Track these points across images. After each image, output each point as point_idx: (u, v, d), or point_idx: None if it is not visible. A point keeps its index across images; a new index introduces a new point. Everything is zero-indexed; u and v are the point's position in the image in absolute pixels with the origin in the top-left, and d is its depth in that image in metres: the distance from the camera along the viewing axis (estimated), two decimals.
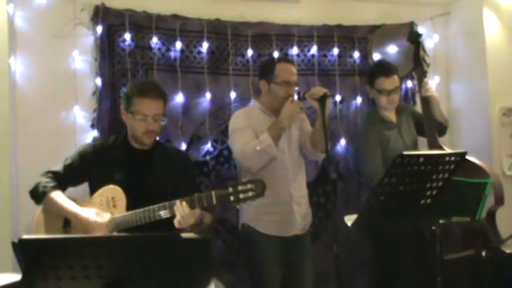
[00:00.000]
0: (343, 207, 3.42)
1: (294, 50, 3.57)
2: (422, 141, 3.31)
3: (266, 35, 3.52)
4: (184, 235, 2.09)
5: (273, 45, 3.52)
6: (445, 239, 2.63)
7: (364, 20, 3.76)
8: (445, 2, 3.95)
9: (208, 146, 3.37)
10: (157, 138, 2.65)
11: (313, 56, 3.62)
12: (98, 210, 2.37)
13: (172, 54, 3.32)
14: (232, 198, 2.23)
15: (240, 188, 2.23)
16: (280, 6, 3.60)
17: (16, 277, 1.87)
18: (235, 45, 3.44)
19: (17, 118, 3.03)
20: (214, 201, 2.25)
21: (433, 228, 2.48)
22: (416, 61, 3.32)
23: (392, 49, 3.73)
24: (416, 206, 2.34)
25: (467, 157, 2.39)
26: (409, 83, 3.79)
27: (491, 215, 3.01)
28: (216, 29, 3.41)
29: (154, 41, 3.27)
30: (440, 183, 2.31)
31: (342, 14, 3.72)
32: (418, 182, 2.25)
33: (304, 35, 3.60)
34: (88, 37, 3.17)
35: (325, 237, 3.52)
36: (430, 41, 3.90)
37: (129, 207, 2.36)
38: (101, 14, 3.15)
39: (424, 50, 3.80)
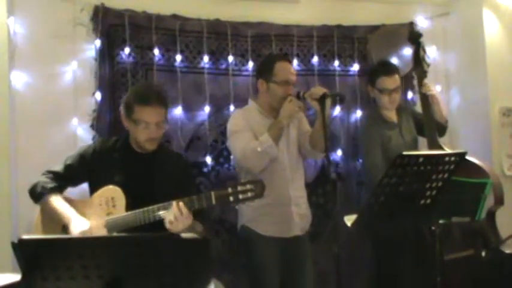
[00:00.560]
0: (342, 207, 3.41)
1: (294, 50, 3.57)
2: (422, 141, 3.31)
3: (266, 35, 3.52)
4: (184, 235, 2.09)
5: (272, 46, 3.52)
6: (445, 239, 2.63)
7: (364, 20, 3.76)
8: (445, 2, 3.94)
9: (208, 146, 3.37)
10: None
11: (312, 56, 3.62)
12: (93, 221, 2.35)
13: (172, 54, 3.32)
14: (231, 198, 2.23)
15: (239, 188, 2.23)
16: (280, 7, 3.60)
17: (16, 277, 1.87)
18: (235, 45, 3.44)
19: (16, 119, 3.03)
20: (214, 202, 2.25)
21: (433, 228, 2.48)
22: (416, 61, 3.32)
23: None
24: (416, 206, 2.34)
25: (467, 157, 2.40)
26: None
27: (491, 215, 3.01)
28: (216, 29, 3.41)
29: (154, 41, 3.27)
30: (440, 184, 2.31)
31: (341, 14, 3.72)
32: (417, 182, 2.26)
33: (304, 35, 3.60)
34: (88, 38, 3.17)
35: (324, 238, 3.52)
36: (429, 41, 3.90)
37: (128, 208, 2.36)
38: (100, 14, 3.15)
39: (424, 50, 3.80)
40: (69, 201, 2.46)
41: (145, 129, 2.43)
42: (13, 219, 2.95)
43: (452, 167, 2.29)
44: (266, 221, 2.83)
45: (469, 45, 3.88)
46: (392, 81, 3.18)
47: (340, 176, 3.67)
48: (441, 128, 3.31)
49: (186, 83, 3.34)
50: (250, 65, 3.45)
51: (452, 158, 2.27)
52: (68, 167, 2.51)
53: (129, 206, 2.36)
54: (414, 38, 3.35)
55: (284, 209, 2.84)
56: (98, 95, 3.14)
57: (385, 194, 2.19)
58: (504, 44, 3.80)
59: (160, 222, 2.29)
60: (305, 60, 3.63)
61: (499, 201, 2.98)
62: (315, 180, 3.55)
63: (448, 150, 2.91)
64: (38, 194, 2.44)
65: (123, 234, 2.26)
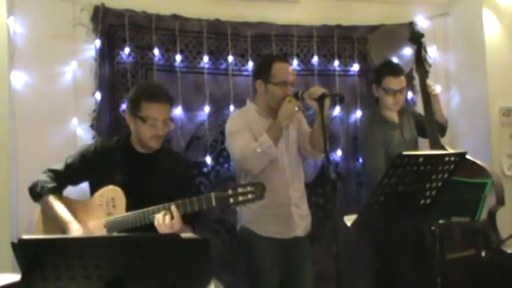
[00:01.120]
0: (342, 207, 3.41)
1: (294, 50, 3.57)
2: (422, 141, 3.30)
3: (266, 35, 3.51)
4: (184, 235, 2.09)
5: (272, 46, 3.52)
6: (445, 239, 2.63)
7: (364, 20, 3.76)
8: (445, 2, 3.94)
9: (207, 146, 3.37)
10: None
11: (312, 56, 3.62)
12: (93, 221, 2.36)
13: (171, 54, 3.32)
14: (231, 200, 2.22)
15: (239, 190, 2.22)
16: (279, 7, 3.60)
17: (16, 277, 1.87)
18: (235, 45, 3.44)
19: (16, 119, 3.03)
20: (214, 203, 2.24)
21: (433, 228, 2.48)
22: (418, 61, 3.32)
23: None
24: (416, 206, 2.34)
25: (467, 157, 2.39)
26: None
27: (492, 215, 3.01)
28: (216, 29, 3.41)
29: (154, 41, 3.27)
30: (440, 184, 2.31)
31: (341, 14, 3.72)
32: (417, 182, 2.26)
33: (303, 35, 3.60)
34: (88, 38, 3.17)
35: (324, 238, 3.51)
36: (429, 41, 3.90)
37: (128, 209, 2.35)
38: (100, 14, 3.14)
39: (426, 50, 3.79)
40: (69, 201, 2.47)
41: (152, 126, 2.43)
42: (13, 219, 2.94)
43: (452, 167, 2.28)
44: (266, 222, 2.82)
45: (469, 45, 3.87)
46: (398, 82, 3.18)
47: (340, 176, 3.67)
48: (441, 128, 3.31)
49: (186, 83, 3.33)
50: (250, 65, 3.45)
51: (452, 158, 2.27)
52: (68, 166, 2.51)
53: (130, 206, 2.35)
54: (416, 38, 3.35)
55: (284, 210, 2.84)
56: (98, 95, 3.14)
57: (385, 194, 2.19)
58: (504, 44, 3.79)
59: None
60: (305, 60, 3.62)
61: (500, 201, 2.98)
62: (314, 180, 3.55)
63: (450, 150, 2.91)
64: (37, 193, 2.45)
65: (123, 234, 2.26)
